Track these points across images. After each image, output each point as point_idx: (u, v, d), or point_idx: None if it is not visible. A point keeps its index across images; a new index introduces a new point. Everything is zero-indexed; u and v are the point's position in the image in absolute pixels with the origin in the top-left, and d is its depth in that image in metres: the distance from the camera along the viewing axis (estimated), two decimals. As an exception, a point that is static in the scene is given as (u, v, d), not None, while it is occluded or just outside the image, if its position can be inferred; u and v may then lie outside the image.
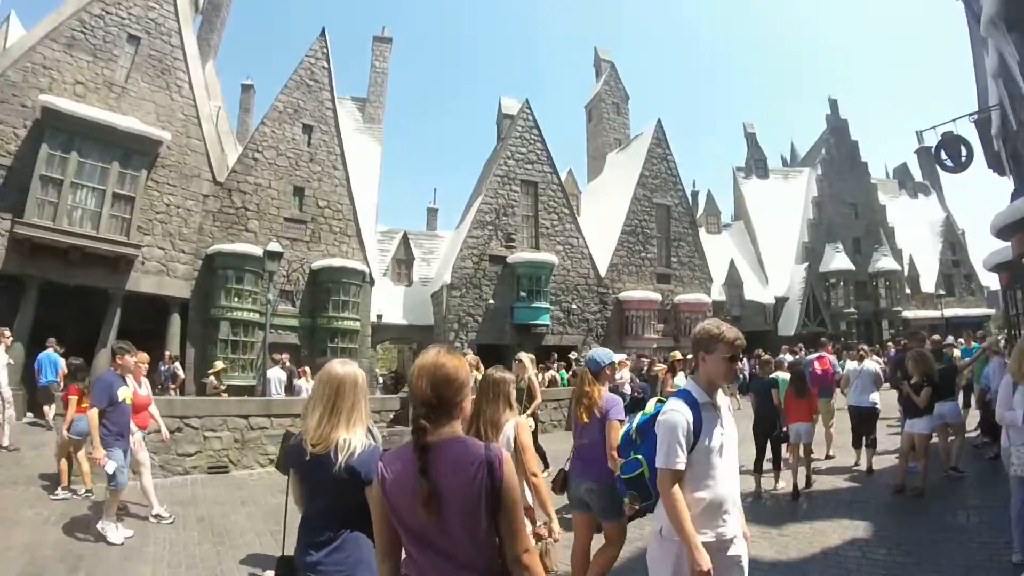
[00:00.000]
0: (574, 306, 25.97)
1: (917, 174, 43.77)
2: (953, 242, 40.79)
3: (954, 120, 11.38)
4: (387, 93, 30.24)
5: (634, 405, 5.87)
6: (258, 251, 17.09)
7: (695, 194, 37.05)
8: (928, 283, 37.94)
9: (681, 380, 9.89)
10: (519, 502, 2.00)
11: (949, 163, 11.43)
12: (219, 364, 16.64)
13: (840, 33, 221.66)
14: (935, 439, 8.35)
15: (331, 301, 20.81)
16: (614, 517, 4.35)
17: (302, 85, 22.23)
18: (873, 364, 9.77)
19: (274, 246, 14.71)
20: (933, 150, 11.60)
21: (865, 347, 11.08)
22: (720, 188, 56.13)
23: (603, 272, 27.01)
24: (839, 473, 9.20)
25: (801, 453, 8.26)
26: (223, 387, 15.89)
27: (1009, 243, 8.96)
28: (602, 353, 4.76)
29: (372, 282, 22.68)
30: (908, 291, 36.93)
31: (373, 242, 24.46)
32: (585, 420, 4.47)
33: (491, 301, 23.78)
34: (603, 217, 29.66)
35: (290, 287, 20.50)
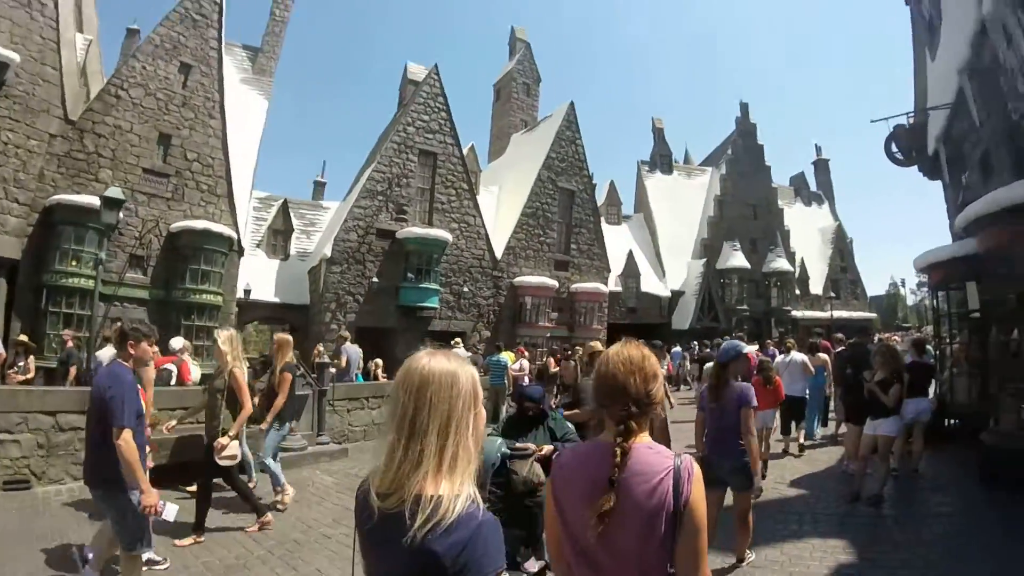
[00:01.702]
0: (466, 289, 24.79)
1: (813, 184, 46.73)
2: (842, 249, 43.34)
3: (887, 117, 11.41)
4: (283, 45, 28.23)
5: (531, 422, 4.86)
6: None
7: (594, 186, 36.78)
8: (817, 286, 40.43)
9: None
10: (703, 527, 1.72)
11: (899, 156, 11.46)
12: (23, 338, 12.85)
13: (753, 43, 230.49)
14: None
15: (190, 271, 18.81)
16: (747, 489, 5.08)
17: (187, 19, 19.93)
18: (800, 355, 10.36)
19: (114, 191, 11.87)
20: (884, 142, 11.61)
21: (792, 340, 12.17)
22: (623, 181, 56.65)
23: (499, 254, 26.07)
24: (774, 470, 8.92)
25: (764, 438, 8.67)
26: (30, 374, 12.01)
27: (974, 238, 9.12)
28: (733, 344, 5.33)
29: (241, 251, 20.71)
30: (798, 292, 38.82)
31: (246, 207, 22.37)
32: (716, 405, 5.04)
33: (375, 279, 22.26)
34: (503, 198, 28.85)
35: (142, 251, 18.17)
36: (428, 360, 1.53)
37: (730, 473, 4.99)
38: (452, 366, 1.53)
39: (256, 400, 6.82)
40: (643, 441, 1.80)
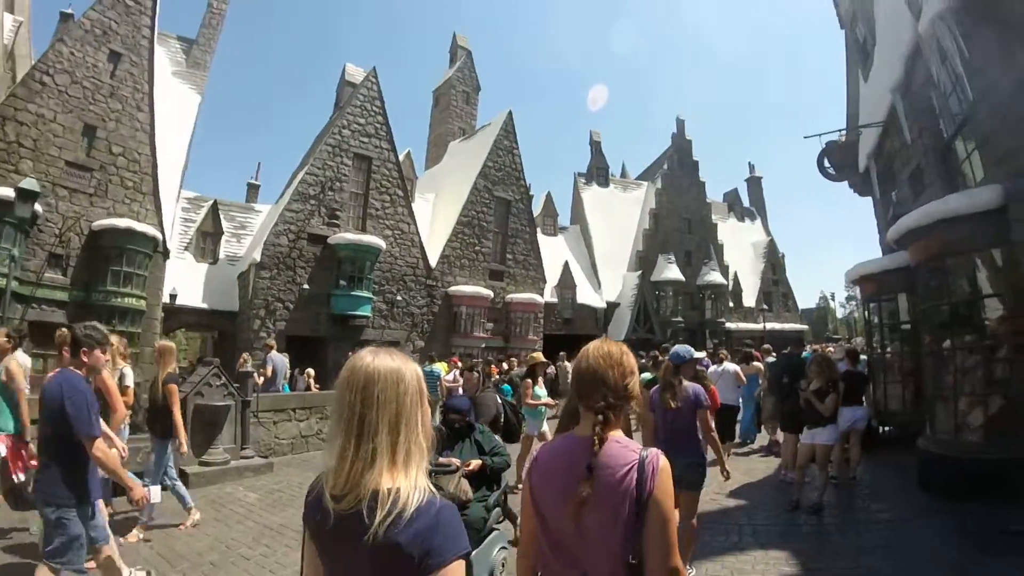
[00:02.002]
0: (399, 298, 24.67)
1: (746, 200, 48.22)
2: (774, 263, 44.75)
3: (820, 134, 11.95)
4: (219, 39, 27.39)
5: (457, 435, 4.95)
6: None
7: (531, 197, 37.11)
8: (750, 299, 41.69)
9: (542, 391, 9.38)
10: (671, 519, 1.79)
11: (831, 171, 11.91)
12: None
13: (690, 61, 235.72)
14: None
15: (111, 272, 18.11)
16: (697, 489, 5.10)
17: (119, 4, 19.17)
18: (733, 366, 10.92)
19: (29, 183, 11.59)
20: (817, 157, 12.13)
21: (725, 351, 12.78)
22: (560, 192, 57.30)
23: (433, 263, 26.06)
24: (712, 482, 8.77)
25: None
26: None
27: (906, 250, 9.40)
28: (686, 348, 5.50)
29: (166, 253, 20.15)
30: (732, 304, 39.89)
31: (174, 207, 21.81)
32: (672, 407, 5.05)
33: (306, 286, 21.92)
34: (438, 206, 28.91)
35: (62, 250, 17.49)
36: (372, 359, 1.54)
37: (683, 470, 4.81)
38: (396, 363, 1.55)
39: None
40: (614, 435, 1.86)
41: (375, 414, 1.46)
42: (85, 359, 4.05)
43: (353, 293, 22.40)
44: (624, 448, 1.82)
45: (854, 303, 76.84)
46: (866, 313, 12.98)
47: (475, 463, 4.52)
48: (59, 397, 3.78)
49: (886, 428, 11.25)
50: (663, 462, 1.80)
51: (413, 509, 1.39)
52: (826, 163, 12.22)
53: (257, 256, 21.41)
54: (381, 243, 23.56)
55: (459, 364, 17.63)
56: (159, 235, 19.33)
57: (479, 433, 4.94)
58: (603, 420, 1.83)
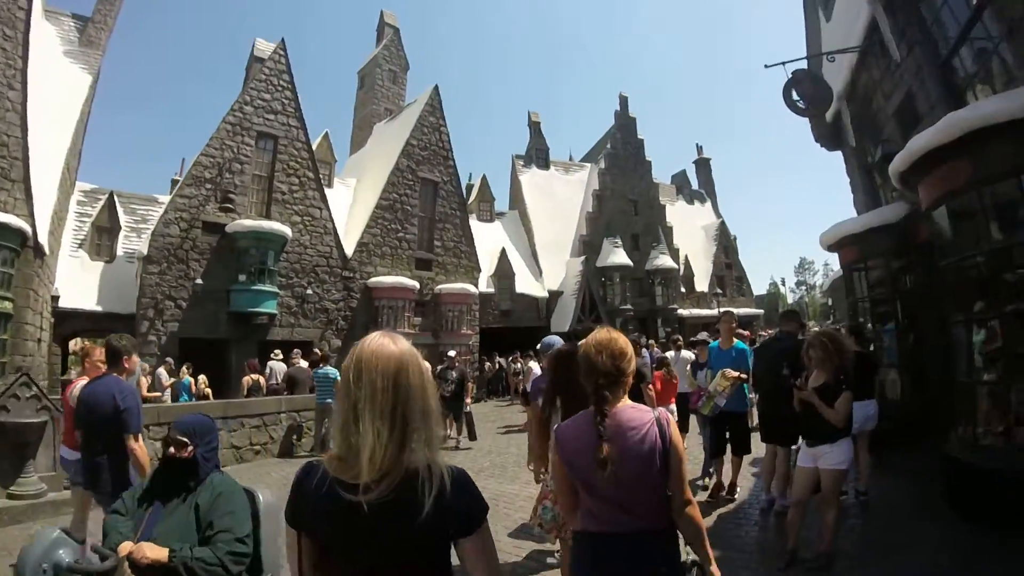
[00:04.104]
0: (310, 292, 22.77)
1: (695, 183, 48.06)
2: (727, 246, 44.40)
3: (784, 62, 10.73)
4: (119, 15, 24.57)
5: (182, 477, 3.54)
6: None
7: (470, 187, 36.51)
8: (702, 283, 41.10)
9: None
10: (684, 457, 2.41)
11: (801, 104, 10.56)
12: None
13: (635, 44, 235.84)
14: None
15: (-31, 270, 16.15)
16: None
17: None
18: (689, 353, 10.64)
19: None
20: (783, 88, 10.65)
21: (680, 337, 12.62)
22: (497, 177, 56.28)
23: (350, 252, 24.25)
24: None
25: None
26: None
27: (915, 191, 7.65)
28: (553, 339, 5.77)
29: (39, 250, 18.17)
30: (683, 290, 39.22)
31: (56, 199, 19.83)
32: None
33: (199, 281, 20.02)
34: (359, 191, 27.47)
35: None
36: (395, 343, 1.67)
37: None
38: (413, 349, 1.71)
39: None
40: (626, 403, 2.44)
41: (408, 398, 1.60)
42: (127, 365, 4.95)
43: (255, 287, 20.55)
44: (638, 411, 2.41)
45: (804, 288, 79.39)
46: (852, 283, 11.39)
47: (156, 553, 2.56)
48: (114, 397, 4.56)
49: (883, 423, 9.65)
50: (670, 416, 2.51)
51: (449, 480, 1.60)
52: (795, 95, 10.68)
53: (144, 249, 19.57)
54: (287, 231, 21.73)
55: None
56: (28, 228, 17.47)
57: (216, 477, 3.04)
58: (598, 398, 2.37)
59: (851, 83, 11.32)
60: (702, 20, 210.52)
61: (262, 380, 15.16)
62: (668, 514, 2.36)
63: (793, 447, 6.21)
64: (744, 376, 7.29)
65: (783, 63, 10.70)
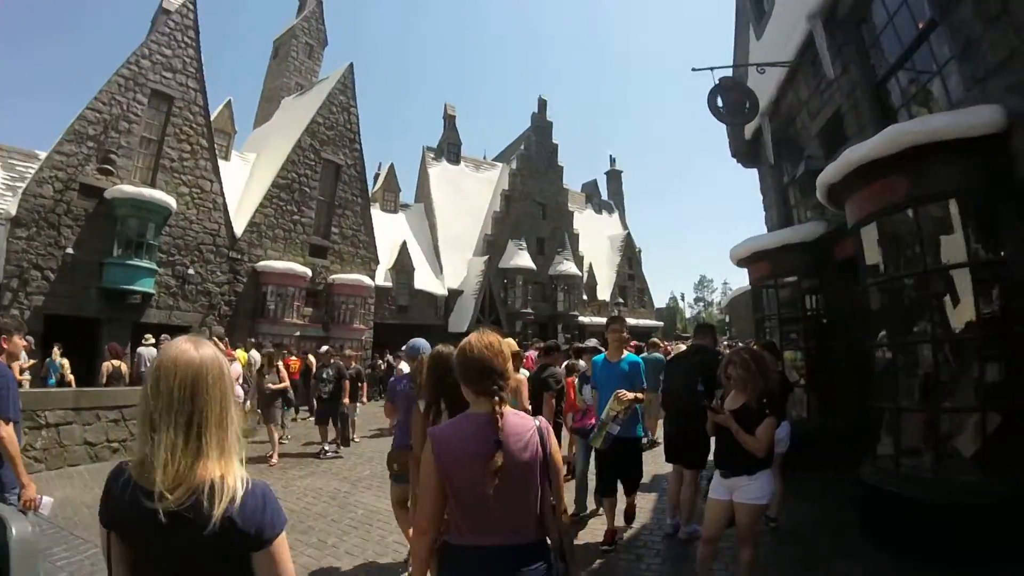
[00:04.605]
0: (192, 271, 21.01)
1: (605, 193, 49.07)
2: (631, 257, 45.45)
3: (712, 68, 10.61)
4: None
5: None
6: None
7: (376, 176, 35.94)
8: (604, 292, 41.76)
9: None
10: (562, 465, 2.49)
11: (725, 111, 10.39)
12: None
13: (554, 47, 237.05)
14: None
15: None
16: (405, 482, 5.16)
17: None
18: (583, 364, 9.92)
19: None
20: (708, 95, 10.48)
21: (595, 341, 12.50)
22: (406, 169, 55.58)
23: (239, 231, 22.73)
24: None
25: None
26: None
27: (836, 209, 7.52)
28: (420, 342, 5.66)
29: None
30: (585, 297, 39.57)
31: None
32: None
33: (70, 251, 18.19)
34: (257, 167, 26.18)
35: None
36: (196, 349, 1.68)
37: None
38: (217, 354, 1.72)
39: None
40: (509, 410, 2.39)
41: (205, 407, 1.62)
42: (5, 346, 4.62)
43: (131, 262, 18.83)
44: (521, 418, 2.40)
45: (702, 304, 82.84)
46: (762, 300, 11.12)
47: None
48: None
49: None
50: (548, 425, 2.46)
51: (243, 492, 1.60)
52: (719, 102, 10.59)
53: (12, 210, 17.79)
54: (172, 202, 20.02)
55: (235, 356, 15.12)
56: None
57: None
58: (500, 401, 2.32)
59: (775, 100, 11.32)
60: (624, 28, 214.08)
61: (124, 367, 13.98)
62: (542, 526, 2.35)
63: (703, 472, 5.88)
64: (641, 396, 5.99)
65: (711, 68, 10.65)
